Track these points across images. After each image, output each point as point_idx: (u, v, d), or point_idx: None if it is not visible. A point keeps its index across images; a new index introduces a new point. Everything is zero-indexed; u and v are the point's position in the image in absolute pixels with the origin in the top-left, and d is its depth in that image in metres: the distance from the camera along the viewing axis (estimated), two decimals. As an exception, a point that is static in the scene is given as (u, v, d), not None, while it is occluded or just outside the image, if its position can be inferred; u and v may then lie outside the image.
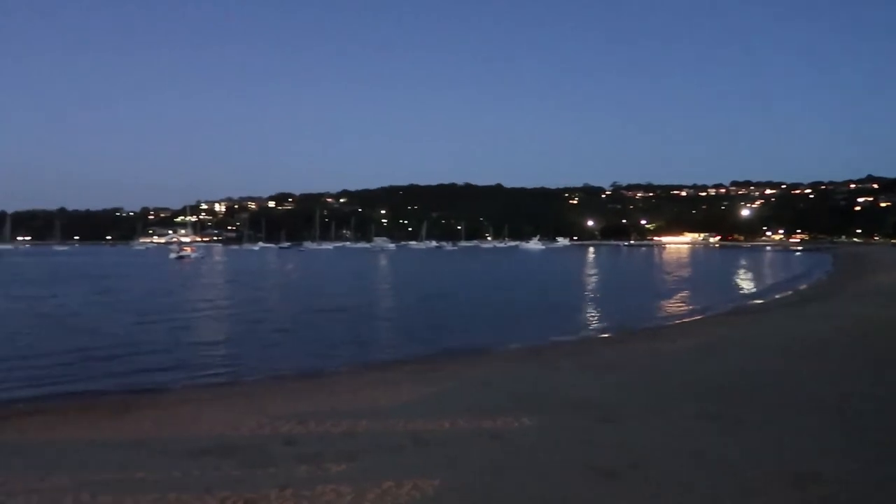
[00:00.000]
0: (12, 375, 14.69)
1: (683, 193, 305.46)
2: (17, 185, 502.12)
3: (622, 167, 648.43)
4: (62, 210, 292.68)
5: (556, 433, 8.20)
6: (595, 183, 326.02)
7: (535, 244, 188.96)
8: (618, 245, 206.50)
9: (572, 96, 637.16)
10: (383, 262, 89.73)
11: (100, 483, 6.74)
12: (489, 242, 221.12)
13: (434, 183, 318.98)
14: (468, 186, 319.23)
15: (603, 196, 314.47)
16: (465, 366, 14.70)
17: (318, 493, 6.25)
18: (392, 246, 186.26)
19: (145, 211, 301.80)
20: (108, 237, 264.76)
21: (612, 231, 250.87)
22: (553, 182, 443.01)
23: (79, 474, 7.07)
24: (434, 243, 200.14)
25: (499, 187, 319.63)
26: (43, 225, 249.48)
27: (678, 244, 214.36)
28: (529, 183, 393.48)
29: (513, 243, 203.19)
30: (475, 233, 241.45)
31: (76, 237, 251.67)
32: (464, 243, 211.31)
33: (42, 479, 6.91)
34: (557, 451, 7.42)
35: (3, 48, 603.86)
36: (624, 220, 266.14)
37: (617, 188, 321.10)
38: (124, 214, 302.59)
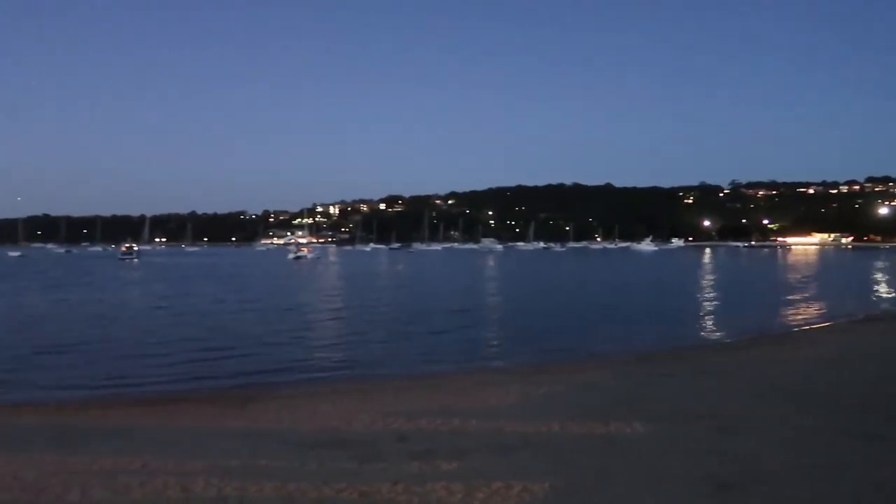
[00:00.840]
0: (152, 369, 16.05)
1: (811, 191, 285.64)
2: (154, 190, 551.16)
3: (742, 164, 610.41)
4: (193, 213, 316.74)
5: (671, 441, 7.91)
6: (712, 181, 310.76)
7: (647, 245, 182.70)
8: (737, 246, 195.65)
9: (685, 91, 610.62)
10: (491, 263, 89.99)
11: (227, 469, 7.20)
12: (599, 243, 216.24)
13: (541, 183, 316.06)
14: (577, 186, 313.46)
15: (721, 195, 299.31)
16: (575, 369, 14.49)
17: (429, 489, 6.37)
18: (500, 247, 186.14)
19: (266, 214, 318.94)
20: (233, 238, 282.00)
21: (730, 231, 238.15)
22: (666, 181, 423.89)
23: (208, 460, 7.59)
24: (542, 244, 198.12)
25: (609, 187, 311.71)
26: (176, 227, 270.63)
27: (805, 245, 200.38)
28: (641, 182, 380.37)
29: (624, 244, 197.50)
30: (584, 233, 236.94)
31: (205, 238, 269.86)
32: (572, 244, 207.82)
33: (176, 463, 7.48)
34: (672, 459, 7.16)
35: (146, 60, 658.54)
36: (744, 220, 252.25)
37: (736, 186, 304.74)
38: (248, 217, 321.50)
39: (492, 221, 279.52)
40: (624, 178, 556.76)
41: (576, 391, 11.45)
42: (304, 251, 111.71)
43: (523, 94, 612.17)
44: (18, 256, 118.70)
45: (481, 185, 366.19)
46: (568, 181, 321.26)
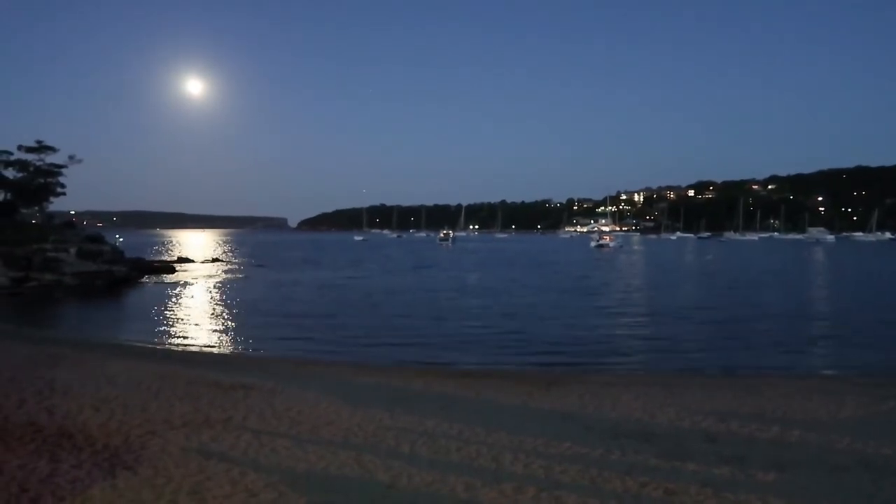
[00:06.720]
0: (469, 347, 17.58)
1: None
2: (469, 182, 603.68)
3: None
4: (503, 202, 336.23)
5: None
6: None
7: None
8: None
9: None
10: (820, 255, 78.93)
11: (533, 447, 7.53)
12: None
13: (890, 163, 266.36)
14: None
15: None
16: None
17: (742, 500, 5.88)
18: (831, 237, 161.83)
19: (570, 202, 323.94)
20: (538, 226, 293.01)
21: None
22: None
23: (516, 435, 8.02)
24: (888, 235, 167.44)
25: None
26: (487, 215, 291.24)
27: None
28: None
29: None
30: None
31: (513, 226, 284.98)
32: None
33: (488, 435, 8.06)
34: None
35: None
36: None
37: None
38: (552, 205, 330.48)
39: (821, 209, 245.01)
40: None
41: (935, 411, 9.53)
42: (607, 239, 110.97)
43: (863, 55, 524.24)
44: (361, 240, 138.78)
45: (809, 167, 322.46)
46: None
